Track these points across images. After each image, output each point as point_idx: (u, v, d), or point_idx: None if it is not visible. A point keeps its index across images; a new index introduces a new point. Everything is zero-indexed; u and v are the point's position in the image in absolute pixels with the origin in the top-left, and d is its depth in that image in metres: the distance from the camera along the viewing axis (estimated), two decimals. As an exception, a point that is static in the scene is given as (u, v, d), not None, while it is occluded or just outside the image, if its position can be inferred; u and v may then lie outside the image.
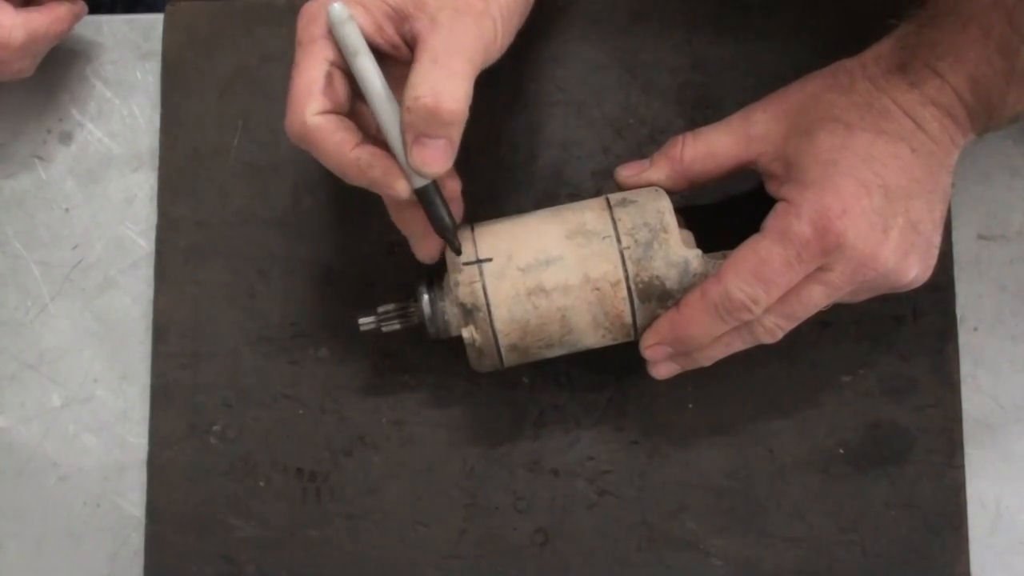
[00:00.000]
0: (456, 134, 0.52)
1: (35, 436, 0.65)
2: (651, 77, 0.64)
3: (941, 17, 0.53)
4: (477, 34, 0.52)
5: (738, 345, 0.57)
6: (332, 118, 0.52)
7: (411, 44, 0.53)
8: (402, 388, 0.64)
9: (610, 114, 0.64)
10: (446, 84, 0.51)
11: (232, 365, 0.64)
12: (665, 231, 0.55)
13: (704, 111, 0.64)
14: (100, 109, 0.67)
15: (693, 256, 0.55)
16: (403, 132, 0.52)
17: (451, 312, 0.57)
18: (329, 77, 0.52)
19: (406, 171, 0.53)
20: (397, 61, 0.54)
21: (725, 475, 0.63)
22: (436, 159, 0.52)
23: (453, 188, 0.56)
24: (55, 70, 0.67)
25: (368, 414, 0.64)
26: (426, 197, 0.54)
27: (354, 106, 0.54)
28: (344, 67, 0.53)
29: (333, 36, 0.52)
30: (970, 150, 0.56)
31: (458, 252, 0.55)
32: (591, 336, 0.56)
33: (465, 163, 0.57)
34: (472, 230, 0.57)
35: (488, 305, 0.55)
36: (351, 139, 0.52)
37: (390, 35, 0.53)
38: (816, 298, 0.54)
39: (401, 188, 0.53)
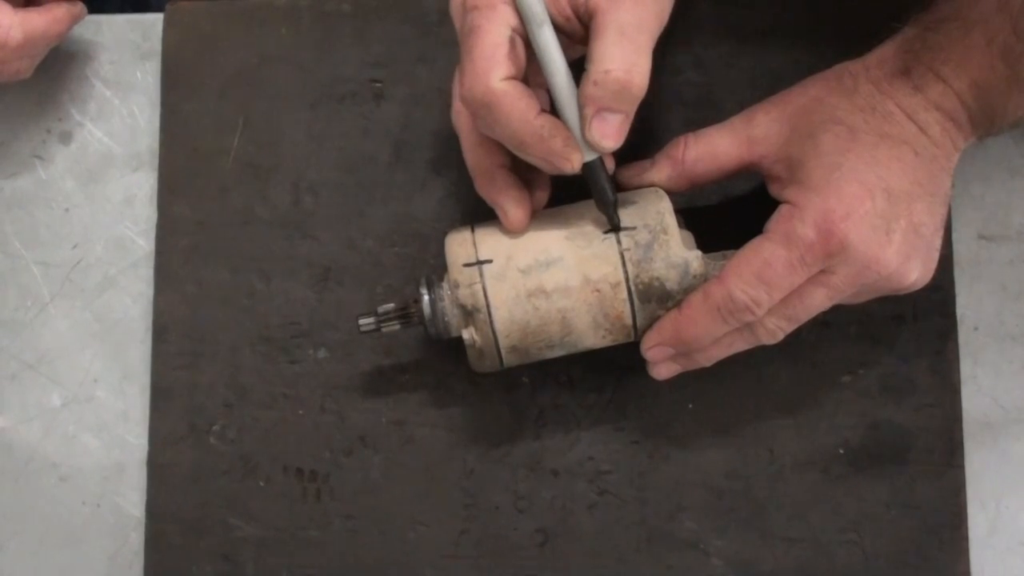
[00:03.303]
0: (634, 109, 0.52)
1: (35, 436, 0.65)
2: (651, 77, 0.64)
3: (945, 22, 0.53)
4: (656, 9, 0.52)
5: (739, 346, 0.57)
6: (517, 84, 0.51)
7: (583, 18, 0.53)
8: (402, 388, 0.64)
9: (610, 114, 0.64)
10: (635, 58, 0.51)
11: (232, 365, 0.64)
12: (665, 232, 0.55)
13: (704, 111, 0.64)
14: (100, 109, 0.67)
15: (693, 257, 0.55)
16: (583, 105, 0.52)
17: (451, 313, 0.57)
18: (512, 42, 0.51)
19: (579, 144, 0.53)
20: (562, 33, 0.53)
21: (725, 475, 0.63)
22: (614, 134, 0.52)
23: (610, 166, 0.56)
24: (55, 70, 0.67)
25: (368, 414, 0.64)
26: (593, 172, 0.54)
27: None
28: (524, 34, 0.52)
29: (515, 2, 0.52)
30: (970, 151, 0.56)
31: (617, 227, 0.55)
32: (591, 337, 0.56)
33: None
34: (472, 231, 0.57)
35: (488, 306, 0.55)
36: (535, 107, 0.52)
37: (563, 6, 0.53)
38: (818, 300, 0.54)
39: (576, 161, 0.53)
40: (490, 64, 0.51)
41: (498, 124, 0.52)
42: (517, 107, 0.51)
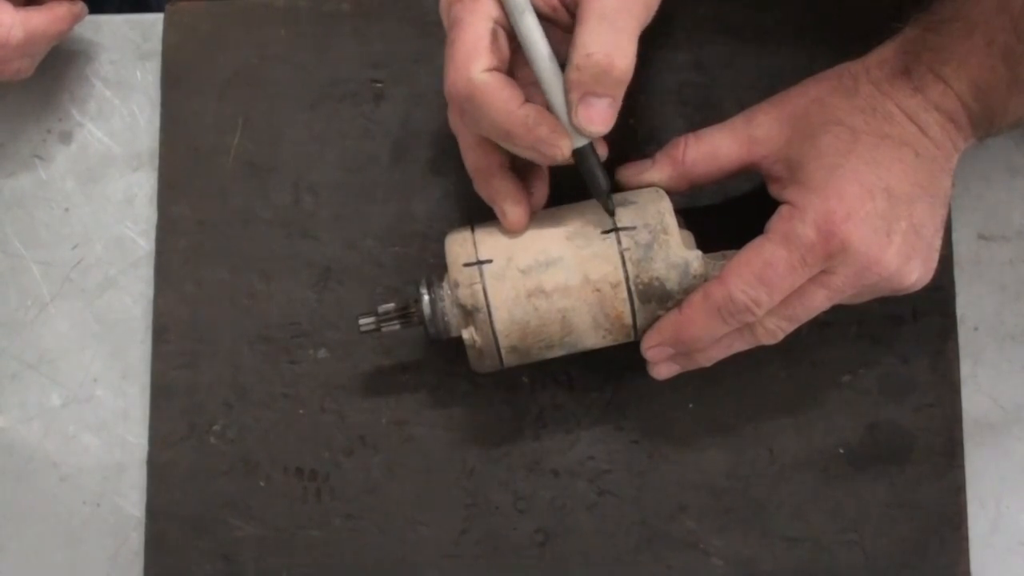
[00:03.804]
0: (621, 93, 0.52)
1: (35, 436, 0.65)
2: (651, 77, 0.64)
3: (945, 23, 0.53)
4: None
5: (739, 346, 0.57)
6: (499, 75, 0.52)
7: (569, 7, 0.53)
8: (402, 388, 0.64)
9: (610, 114, 0.64)
10: (617, 41, 0.51)
11: (232, 365, 0.64)
12: (665, 232, 0.55)
13: (704, 111, 0.64)
14: (100, 109, 0.67)
15: (693, 257, 0.55)
16: (568, 91, 0.52)
17: (451, 313, 0.57)
18: (494, 34, 0.52)
19: (568, 131, 0.53)
20: (551, 24, 0.54)
21: (725, 475, 0.63)
22: (601, 118, 0.52)
23: (603, 152, 0.56)
24: (55, 70, 0.67)
25: (368, 414, 0.64)
26: (584, 159, 0.54)
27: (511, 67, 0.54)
28: (507, 26, 0.52)
29: None
30: (970, 151, 0.56)
31: (612, 214, 0.55)
32: (591, 337, 0.56)
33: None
34: (472, 231, 0.57)
35: (488, 306, 0.55)
36: (518, 97, 0.52)
37: None
38: (818, 301, 0.54)
39: (566, 147, 0.52)
40: (471, 56, 0.51)
41: (483, 116, 0.52)
42: (499, 97, 0.51)
